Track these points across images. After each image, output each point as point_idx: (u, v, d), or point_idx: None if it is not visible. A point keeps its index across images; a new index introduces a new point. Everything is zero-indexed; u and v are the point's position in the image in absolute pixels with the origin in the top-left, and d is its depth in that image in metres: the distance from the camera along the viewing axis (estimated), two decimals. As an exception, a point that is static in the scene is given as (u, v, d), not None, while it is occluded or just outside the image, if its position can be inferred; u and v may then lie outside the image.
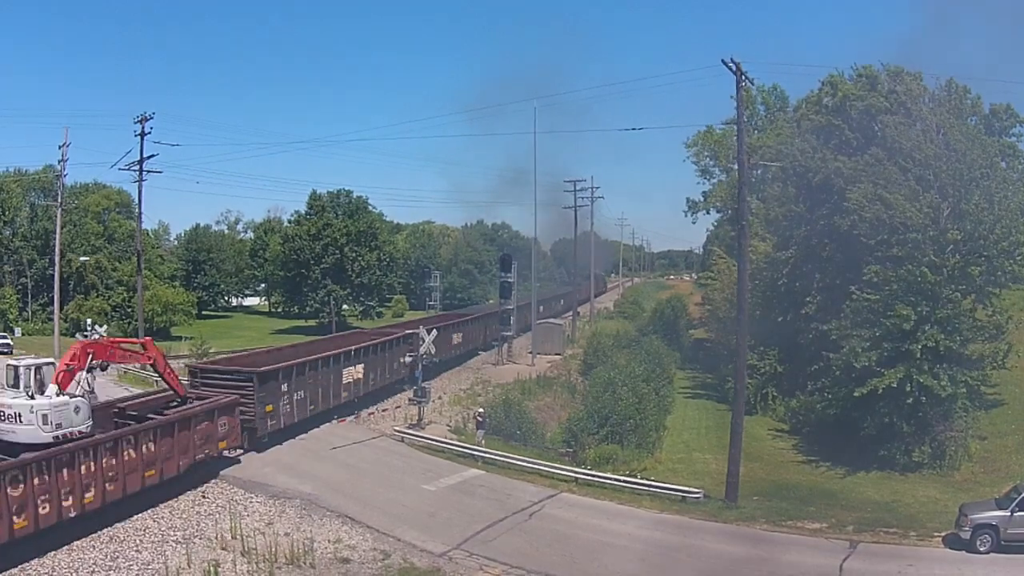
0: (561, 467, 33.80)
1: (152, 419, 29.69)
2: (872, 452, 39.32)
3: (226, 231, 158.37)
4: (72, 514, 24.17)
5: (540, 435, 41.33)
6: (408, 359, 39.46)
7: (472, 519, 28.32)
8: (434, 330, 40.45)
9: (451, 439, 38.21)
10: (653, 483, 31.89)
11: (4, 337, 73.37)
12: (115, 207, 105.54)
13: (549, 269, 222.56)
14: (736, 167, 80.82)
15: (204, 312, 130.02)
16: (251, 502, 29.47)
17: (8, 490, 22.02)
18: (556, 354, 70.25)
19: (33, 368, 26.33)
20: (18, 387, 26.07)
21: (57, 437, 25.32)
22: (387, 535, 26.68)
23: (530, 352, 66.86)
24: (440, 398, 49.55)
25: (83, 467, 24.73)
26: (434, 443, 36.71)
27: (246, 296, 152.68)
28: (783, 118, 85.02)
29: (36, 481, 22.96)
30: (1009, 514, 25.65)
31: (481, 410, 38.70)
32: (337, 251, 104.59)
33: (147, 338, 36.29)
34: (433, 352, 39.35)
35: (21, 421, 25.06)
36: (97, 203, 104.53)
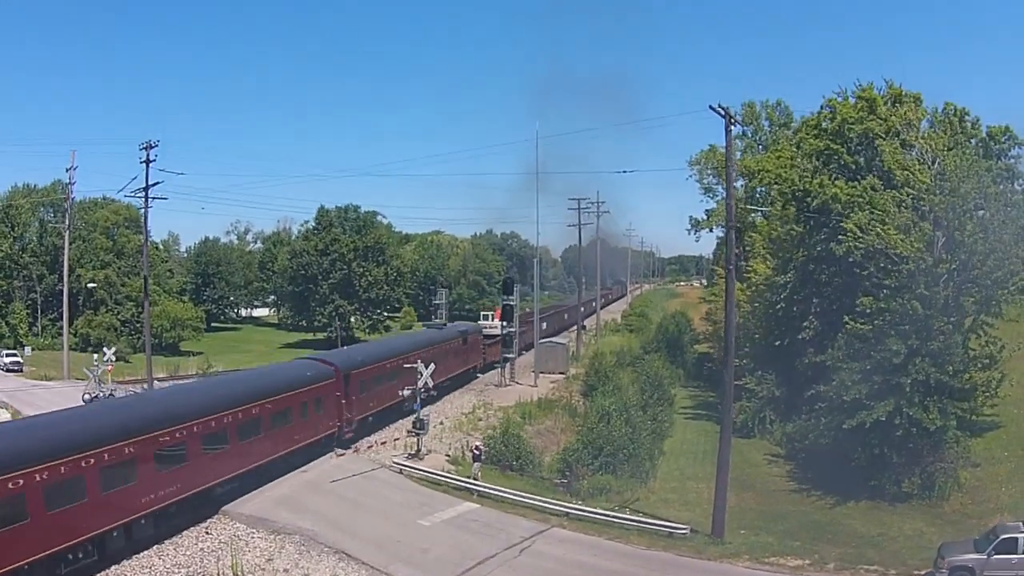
0: (553, 501, 34.42)
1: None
2: (863, 481, 39.96)
3: (236, 241, 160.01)
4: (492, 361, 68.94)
5: (537, 463, 41.98)
6: (406, 392, 40.11)
7: (464, 555, 29.02)
8: (432, 364, 41.14)
9: (448, 471, 38.89)
10: (640, 520, 32.55)
11: (14, 355, 74.48)
12: (124, 222, 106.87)
13: (559, 278, 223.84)
14: (738, 185, 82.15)
15: (213, 324, 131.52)
16: (252, 538, 30.28)
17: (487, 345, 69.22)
18: (560, 373, 70.90)
19: (491, 314, 70.58)
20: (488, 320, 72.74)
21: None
22: (381, 571, 27.42)
23: (533, 371, 67.54)
24: (441, 423, 50.30)
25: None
26: (431, 476, 37.41)
27: (255, 307, 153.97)
28: (784, 136, 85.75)
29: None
30: (986, 557, 26.19)
31: (478, 443, 39.42)
32: (345, 266, 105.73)
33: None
34: (431, 385, 40.11)
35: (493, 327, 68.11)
36: (106, 218, 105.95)
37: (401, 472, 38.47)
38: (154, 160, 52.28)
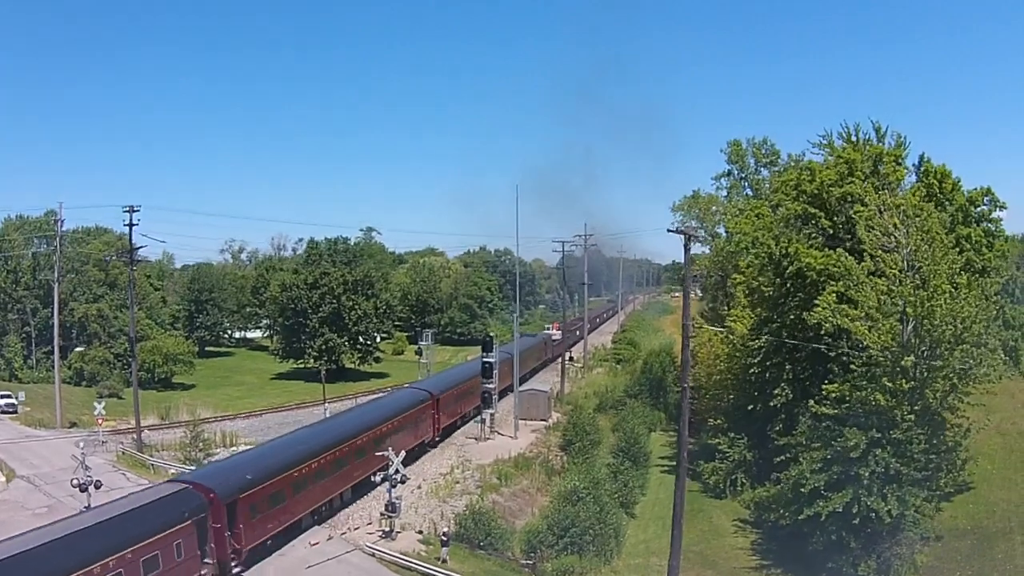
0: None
1: None
2: (822, 562, 41.00)
3: (230, 260, 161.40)
4: (556, 355, 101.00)
5: (507, 537, 42.76)
6: (379, 478, 41.30)
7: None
8: (403, 451, 42.32)
9: (419, 552, 40.05)
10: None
11: (9, 396, 75.28)
12: (116, 253, 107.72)
13: (553, 291, 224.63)
14: (722, 233, 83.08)
15: (207, 348, 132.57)
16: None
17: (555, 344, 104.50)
18: (541, 419, 71.81)
19: (551, 326, 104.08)
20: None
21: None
22: None
23: (515, 417, 68.31)
24: (419, 487, 51.26)
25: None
26: (402, 561, 38.53)
27: (249, 329, 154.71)
28: (774, 174, 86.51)
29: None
30: None
31: (446, 529, 40.51)
32: (334, 300, 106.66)
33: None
34: (403, 470, 41.21)
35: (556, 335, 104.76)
36: (98, 249, 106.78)
37: (374, 555, 39.58)
38: (137, 224, 53.28)
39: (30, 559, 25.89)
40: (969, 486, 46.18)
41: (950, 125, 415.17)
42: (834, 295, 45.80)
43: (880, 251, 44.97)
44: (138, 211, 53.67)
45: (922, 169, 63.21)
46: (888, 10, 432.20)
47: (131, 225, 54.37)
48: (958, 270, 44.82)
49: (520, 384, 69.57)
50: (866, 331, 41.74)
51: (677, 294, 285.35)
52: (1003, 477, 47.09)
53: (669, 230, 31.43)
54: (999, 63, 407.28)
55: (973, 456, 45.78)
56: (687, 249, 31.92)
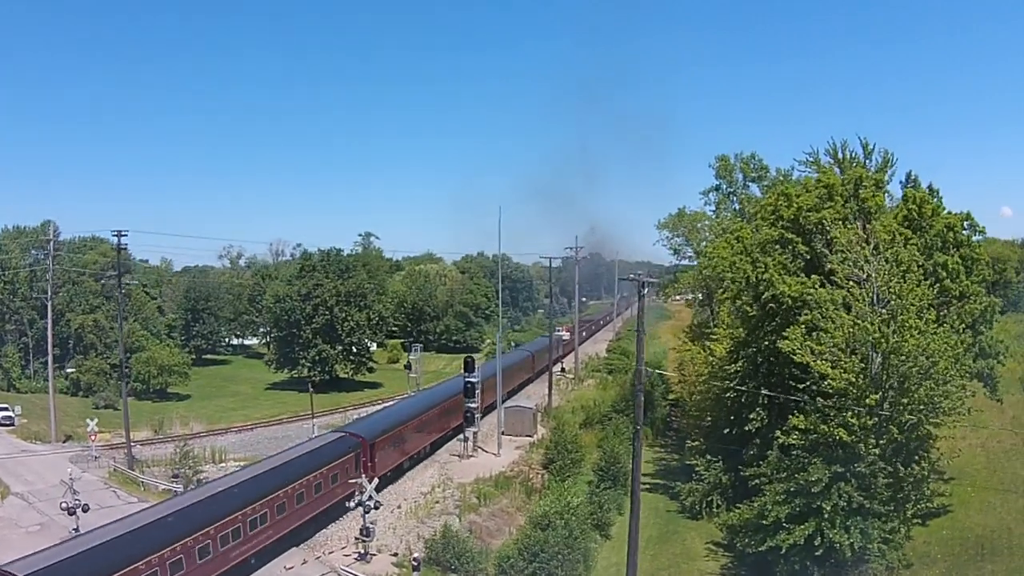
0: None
1: None
2: (788, 591, 41.85)
3: (228, 265, 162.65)
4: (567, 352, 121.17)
5: (479, 561, 43.68)
6: (352, 504, 42.47)
7: None
8: (376, 478, 43.46)
9: (392, 576, 41.29)
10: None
11: (6, 409, 76.36)
12: (113, 264, 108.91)
13: (552, 295, 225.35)
14: (706, 246, 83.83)
15: (204, 356, 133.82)
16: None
17: (564, 343, 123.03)
18: (527, 435, 72.67)
19: (562, 329, 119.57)
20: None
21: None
22: None
23: (501, 432, 69.24)
24: (399, 507, 52.29)
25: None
26: (374, 586, 39.78)
27: (246, 336, 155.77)
28: (764, 187, 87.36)
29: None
30: None
31: (417, 554, 41.60)
32: (327, 311, 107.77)
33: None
34: (376, 496, 42.32)
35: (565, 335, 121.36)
36: (94, 260, 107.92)
37: (348, 579, 40.82)
38: (125, 248, 54.47)
39: (285, 466, 45.45)
40: (947, 509, 46.75)
41: (950, 125, 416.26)
42: (803, 327, 46.48)
43: (851, 283, 45.72)
44: (126, 235, 55.15)
45: (903, 194, 63.78)
46: (888, 10, 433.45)
47: (119, 249, 55.63)
48: (927, 304, 45.28)
49: (530, 382, 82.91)
50: (829, 368, 42.41)
51: (677, 297, 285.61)
52: (982, 500, 47.59)
53: (621, 278, 32.41)
54: (999, 63, 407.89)
55: (956, 476, 46.67)
56: (641, 297, 32.89)
